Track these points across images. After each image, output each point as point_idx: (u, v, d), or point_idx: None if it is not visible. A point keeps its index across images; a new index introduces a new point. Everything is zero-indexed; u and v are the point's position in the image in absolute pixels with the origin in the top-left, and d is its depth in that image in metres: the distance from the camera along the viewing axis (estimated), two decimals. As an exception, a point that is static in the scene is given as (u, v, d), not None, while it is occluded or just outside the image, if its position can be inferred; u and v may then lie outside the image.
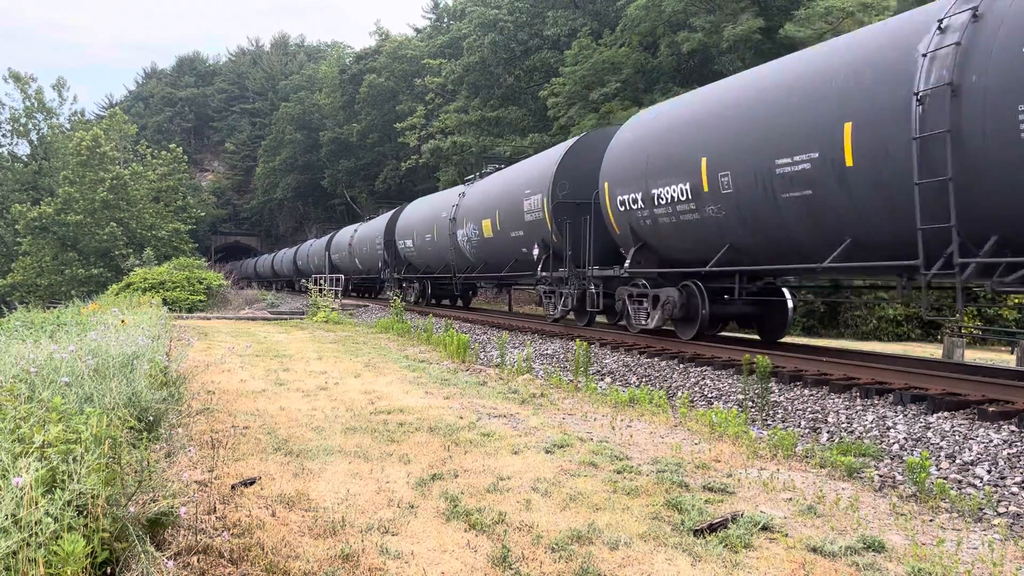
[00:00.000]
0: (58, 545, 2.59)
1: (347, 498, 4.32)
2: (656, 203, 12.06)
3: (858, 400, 7.71)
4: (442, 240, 22.98)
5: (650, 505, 4.32)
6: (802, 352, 11.11)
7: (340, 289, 31.27)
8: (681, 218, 11.63)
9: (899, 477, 5.51)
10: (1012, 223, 7.08)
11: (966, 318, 23.17)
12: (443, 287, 25.90)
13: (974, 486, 5.33)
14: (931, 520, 4.37)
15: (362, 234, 35.18)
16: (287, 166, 68.67)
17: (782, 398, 8.24)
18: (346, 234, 39.37)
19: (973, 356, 16.97)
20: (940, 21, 7.60)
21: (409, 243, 26.56)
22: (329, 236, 44.25)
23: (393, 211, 31.17)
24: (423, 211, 25.84)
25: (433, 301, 27.68)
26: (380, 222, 31.94)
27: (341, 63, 65.93)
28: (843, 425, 7.16)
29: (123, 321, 9.06)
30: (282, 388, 8.40)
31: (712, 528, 3.88)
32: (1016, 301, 20.76)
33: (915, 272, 8.13)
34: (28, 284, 49.83)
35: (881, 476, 5.54)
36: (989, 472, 5.51)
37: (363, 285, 39.98)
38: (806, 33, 23.43)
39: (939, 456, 5.97)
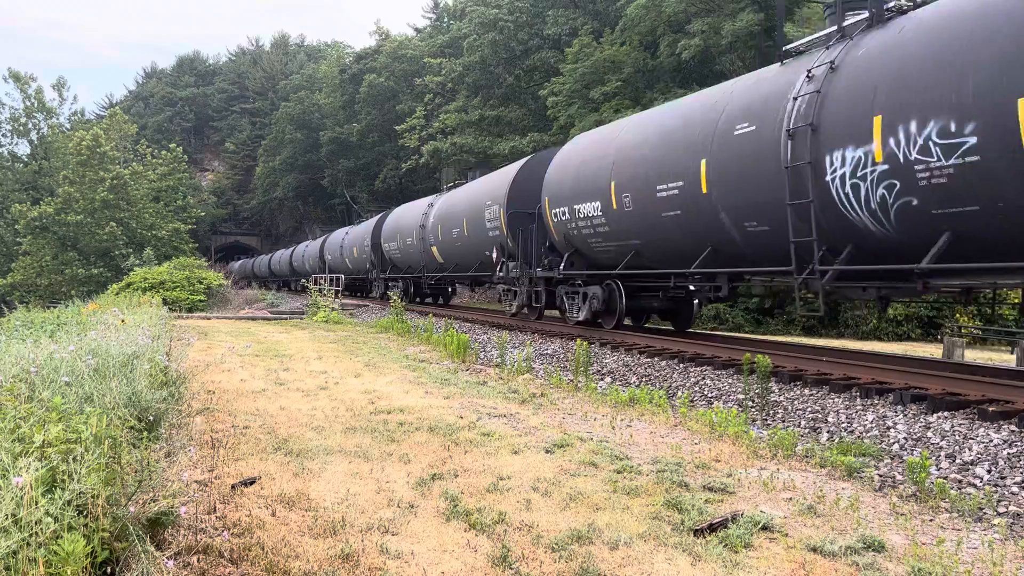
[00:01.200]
0: (58, 545, 2.59)
1: (347, 498, 4.32)
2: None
3: (858, 400, 7.71)
4: (692, 205, 11.13)
5: (650, 505, 4.32)
6: (802, 352, 11.11)
7: (348, 291, 28.97)
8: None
9: (899, 477, 5.51)
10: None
11: (967, 318, 23.21)
12: (651, 292, 14.42)
13: (974, 486, 5.33)
14: (931, 520, 4.37)
15: (449, 208, 22.91)
16: (287, 166, 68.68)
17: (782, 398, 8.24)
18: (412, 214, 26.80)
19: (973, 356, 16.97)
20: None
21: (588, 210, 14.05)
22: (377, 219, 32.82)
23: (523, 161, 18.93)
24: (633, 141, 13.08)
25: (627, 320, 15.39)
26: (489, 185, 19.86)
27: (341, 63, 65.93)
28: (843, 425, 7.16)
29: (123, 321, 9.06)
30: (282, 388, 8.40)
31: (712, 528, 3.88)
32: (1015, 301, 20.75)
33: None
34: (28, 284, 49.90)
35: (881, 476, 5.54)
36: (989, 472, 5.51)
37: (439, 289, 28.24)
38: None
39: (939, 456, 5.97)
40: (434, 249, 23.99)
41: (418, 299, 29.00)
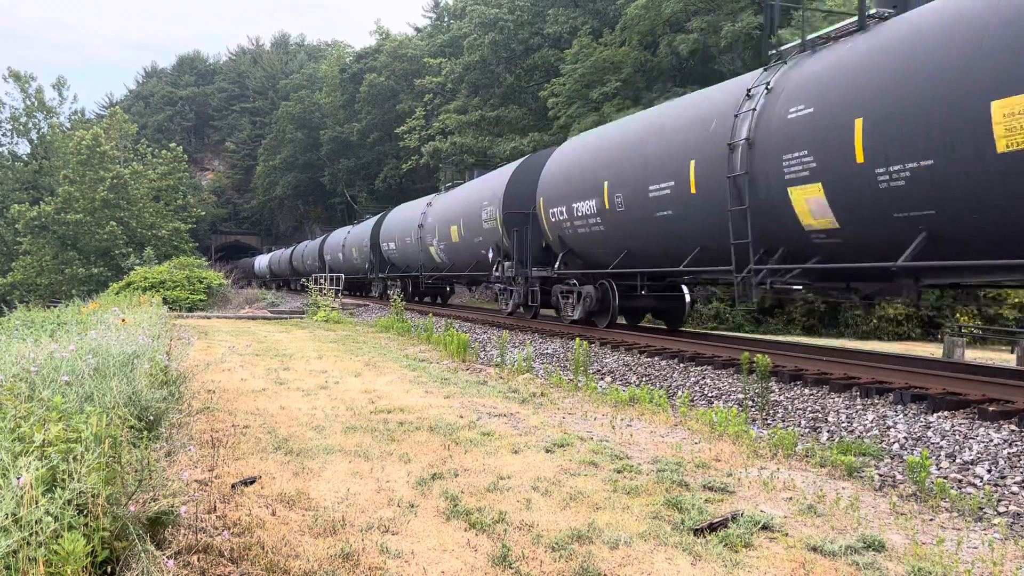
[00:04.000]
0: (58, 544, 2.59)
1: (347, 497, 4.32)
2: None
3: (858, 399, 7.71)
4: None
5: (650, 504, 4.32)
6: (802, 352, 11.11)
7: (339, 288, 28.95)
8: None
9: (899, 476, 5.51)
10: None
11: (967, 318, 23.21)
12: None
13: (974, 485, 5.33)
14: (931, 519, 4.37)
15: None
16: (287, 165, 68.67)
17: (782, 397, 8.24)
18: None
19: (973, 356, 16.98)
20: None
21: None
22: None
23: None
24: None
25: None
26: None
27: (341, 62, 65.95)
28: (843, 424, 7.15)
29: (123, 320, 9.05)
30: (282, 387, 8.40)
31: (712, 527, 3.88)
32: (1015, 300, 20.76)
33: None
34: (28, 283, 49.91)
35: (881, 475, 5.54)
36: (989, 471, 5.51)
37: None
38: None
39: (939, 455, 5.97)
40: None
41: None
